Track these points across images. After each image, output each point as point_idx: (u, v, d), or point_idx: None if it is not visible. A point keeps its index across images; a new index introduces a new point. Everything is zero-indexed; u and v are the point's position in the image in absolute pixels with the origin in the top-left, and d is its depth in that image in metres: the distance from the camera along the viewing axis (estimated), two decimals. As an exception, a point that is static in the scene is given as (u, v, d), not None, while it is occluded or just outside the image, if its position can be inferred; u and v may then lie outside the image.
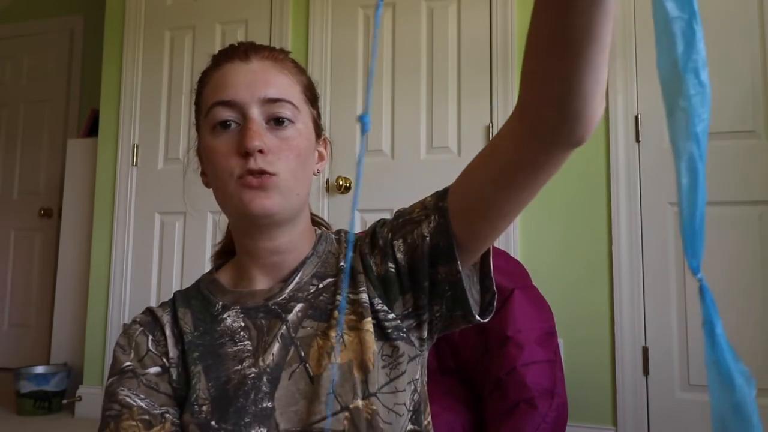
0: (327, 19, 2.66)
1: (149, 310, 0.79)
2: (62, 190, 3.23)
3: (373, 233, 0.75)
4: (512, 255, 2.17)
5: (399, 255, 0.70)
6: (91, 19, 3.78)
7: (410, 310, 0.72)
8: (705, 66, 0.37)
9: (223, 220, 2.87)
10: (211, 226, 2.74)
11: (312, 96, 0.79)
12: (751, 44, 2.17)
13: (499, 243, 2.30)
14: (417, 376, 0.73)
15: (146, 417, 0.69)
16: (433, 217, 0.68)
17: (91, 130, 3.19)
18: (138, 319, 0.78)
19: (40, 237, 3.72)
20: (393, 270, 0.71)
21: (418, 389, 0.73)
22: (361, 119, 0.32)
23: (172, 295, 0.81)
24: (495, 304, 0.71)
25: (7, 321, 3.75)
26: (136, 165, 2.89)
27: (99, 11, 3.31)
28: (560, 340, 2.11)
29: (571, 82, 0.49)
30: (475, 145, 2.41)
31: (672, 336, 2.14)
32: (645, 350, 2.16)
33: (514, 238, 2.32)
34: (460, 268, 0.66)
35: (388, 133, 2.54)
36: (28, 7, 4.02)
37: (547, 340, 1.57)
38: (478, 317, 0.69)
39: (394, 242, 0.71)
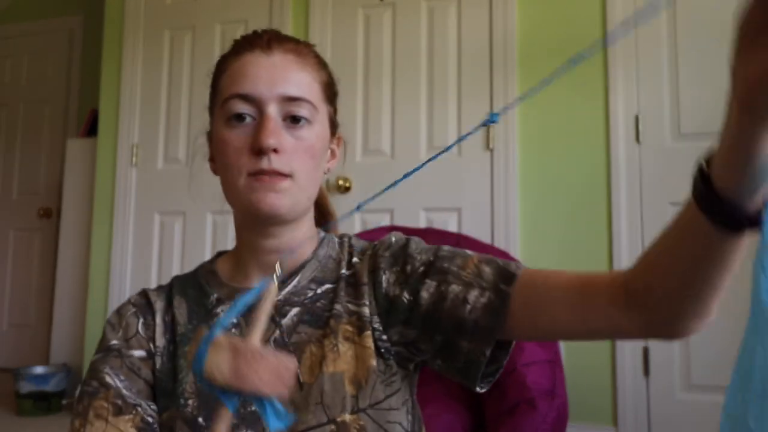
0: (327, 19, 2.66)
1: (144, 293, 0.77)
2: (62, 190, 3.23)
3: (399, 252, 0.72)
4: (512, 255, 2.16)
5: (424, 294, 0.67)
6: (91, 19, 3.78)
7: (406, 343, 0.70)
8: None
9: (223, 221, 2.87)
10: (210, 226, 2.73)
11: (331, 93, 0.77)
12: (751, 44, 2.17)
13: (500, 243, 2.30)
14: (407, 396, 0.72)
15: (119, 402, 0.67)
16: (488, 294, 0.64)
17: (91, 130, 3.19)
18: (132, 300, 0.77)
19: (40, 237, 3.72)
20: (407, 300, 0.68)
21: (410, 410, 0.72)
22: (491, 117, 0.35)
23: (170, 280, 0.80)
24: (496, 377, 0.68)
25: (6, 321, 3.75)
26: (135, 165, 2.88)
27: (98, 11, 3.31)
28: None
29: (681, 321, 0.55)
30: (475, 145, 2.41)
31: (672, 336, 2.14)
32: (645, 351, 2.16)
33: (515, 239, 2.31)
34: (488, 353, 0.63)
35: (388, 133, 2.53)
36: (28, 8, 4.02)
37: (547, 340, 1.57)
38: (478, 389, 0.67)
39: (426, 280, 0.67)
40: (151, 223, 2.84)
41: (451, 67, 2.48)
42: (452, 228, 2.38)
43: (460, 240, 1.83)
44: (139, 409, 0.68)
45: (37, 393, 2.75)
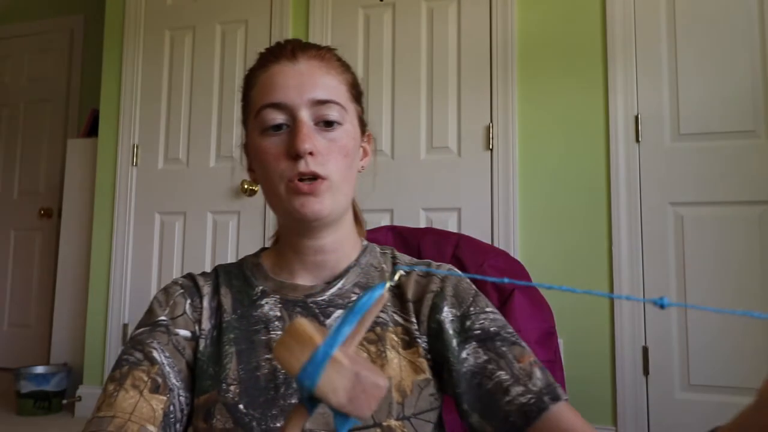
0: (327, 19, 2.66)
1: (191, 276, 0.80)
2: (62, 190, 3.23)
3: (466, 298, 0.74)
4: (512, 255, 2.16)
5: (470, 360, 0.70)
6: (91, 19, 3.78)
7: (436, 371, 0.73)
8: None
9: (223, 221, 2.87)
10: (211, 226, 2.73)
11: (357, 93, 0.82)
12: (751, 44, 2.17)
13: (500, 243, 2.30)
14: (438, 415, 0.74)
15: (159, 380, 0.68)
16: (529, 397, 0.66)
17: (91, 130, 3.19)
18: (180, 282, 0.79)
19: (40, 237, 3.72)
20: (451, 347, 0.71)
21: (438, 427, 0.74)
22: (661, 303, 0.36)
23: (214, 268, 0.82)
24: None
25: (7, 321, 3.75)
26: (136, 165, 2.89)
27: (99, 11, 3.31)
28: (560, 340, 2.11)
29: None
30: (475, 145, 2.41)
31: (672, 336, 2.14)
32: (645, 350, 2.16)
33: (515, 239, 2.31)
34: None
35: (388, 133, 2.54)
36: (28, 7, 4.02)
37: (548, 339, 1.57)
38: None
39: (479, 349, 0.70)
40: (151, 223, 2.84)
41: (451, 67, 2.48)
42: (452, 228, 2.38)
43: (460, 240, 1.82)
44: (172, 394, 0.69)
45: (38, 393, 2.75)
